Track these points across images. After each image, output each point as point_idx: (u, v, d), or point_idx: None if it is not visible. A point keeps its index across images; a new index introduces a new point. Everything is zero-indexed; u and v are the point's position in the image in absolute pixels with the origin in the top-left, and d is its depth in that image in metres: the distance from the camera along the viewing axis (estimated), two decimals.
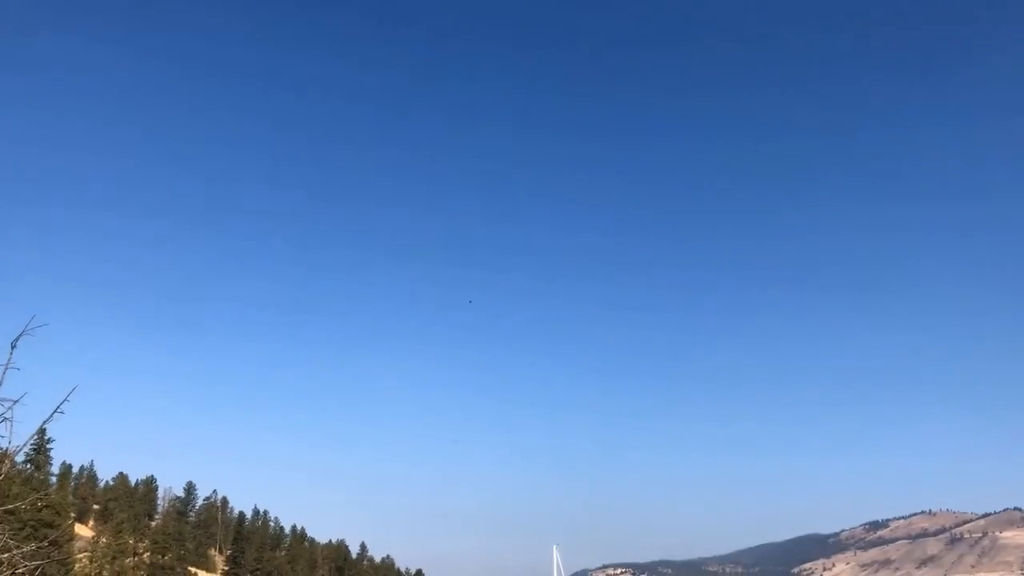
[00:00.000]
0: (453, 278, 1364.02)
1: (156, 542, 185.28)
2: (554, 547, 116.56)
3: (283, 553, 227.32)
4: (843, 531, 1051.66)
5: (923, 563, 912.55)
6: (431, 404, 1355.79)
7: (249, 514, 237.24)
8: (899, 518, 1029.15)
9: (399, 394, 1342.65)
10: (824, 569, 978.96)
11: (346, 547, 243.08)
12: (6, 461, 19.55)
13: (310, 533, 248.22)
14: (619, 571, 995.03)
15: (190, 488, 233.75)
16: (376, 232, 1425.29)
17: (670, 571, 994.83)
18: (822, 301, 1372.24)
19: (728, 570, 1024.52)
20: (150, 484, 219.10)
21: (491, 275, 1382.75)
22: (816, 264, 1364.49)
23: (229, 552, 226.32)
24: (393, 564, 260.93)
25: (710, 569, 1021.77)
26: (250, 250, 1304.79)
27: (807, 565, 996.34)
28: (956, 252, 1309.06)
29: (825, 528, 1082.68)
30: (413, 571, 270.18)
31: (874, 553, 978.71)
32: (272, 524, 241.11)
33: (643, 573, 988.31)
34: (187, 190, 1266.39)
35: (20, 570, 19.24)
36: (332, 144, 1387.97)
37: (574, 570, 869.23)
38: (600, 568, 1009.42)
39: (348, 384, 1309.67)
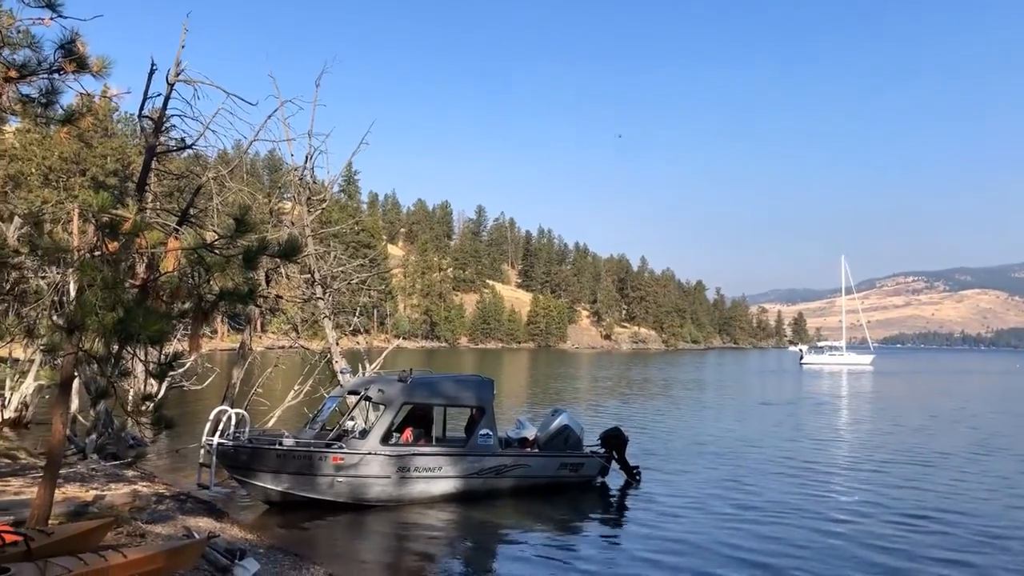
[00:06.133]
0: None
1: (456, 259, 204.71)
2: (842, 257, 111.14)
3: (568, 267, 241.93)
4: None
5: None
6: (711, 106, 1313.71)
7: (535, 233, 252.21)
8: None
9: (672, 92, 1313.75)
10: None
11: (627, 261, 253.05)
12: (327, 189, 20.82)
13: (592, 249, 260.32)
14: (910, 279, 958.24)
15: (480, 211, 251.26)
16: None
17: (968, 278, 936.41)
18: None
19: None
20: (445, 208, 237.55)
21: None
22: None
23: (520, 267, 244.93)
24: (673, 276, 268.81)
25: (1016, 276, 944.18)
26: None
27: None
28: None
29: None
30: (693, 283, 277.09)
31: None
32: (556, 241, 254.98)
33: (938, 281, 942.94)
34: None
35: (354, 280, 21.43)
36: None
37: (862, 279, 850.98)
38: (890, 277, 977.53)
39: (626, 100, 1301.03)
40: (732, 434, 25.30)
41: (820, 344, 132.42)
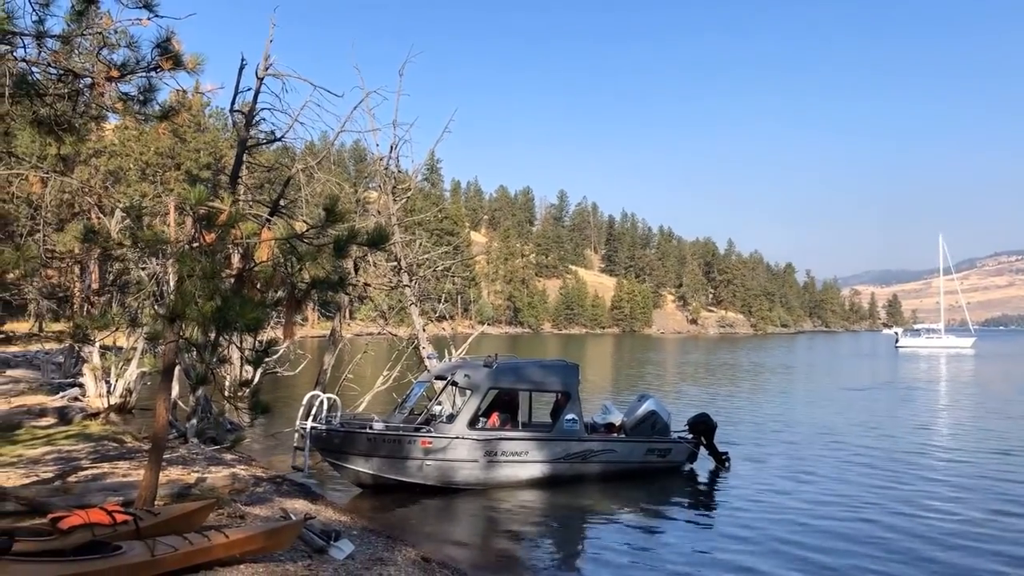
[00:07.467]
0: None
1: (539, 245, 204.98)
2: (939, 236, 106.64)
3: (653, 251, 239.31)
4: None
5: None
6: (800, 84, 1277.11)
7: (618, 217, 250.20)
8: None
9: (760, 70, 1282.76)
10: None
11: (713, 244, 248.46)
12: (411, 178, 21.11)
13: (677, 232, 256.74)
14: (1014, 258, 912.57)
15: (562, 196, 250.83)
16: None
17: None
18: None
19: None
20: (527, 194, 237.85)
21: None
22: None
23: (603, 252, 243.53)
24: (761, 259, 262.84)
25: None
26: None
27: None
28: None
29: None
30: (782, 265, 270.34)
31: None
32: (640, 224, 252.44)
33: None
34: None
35: (439, 268, 21.73)
36: None
37: (961, 259, 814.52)
38: (991, 256, 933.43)
39: (696, 79, 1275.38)
40: (820, 421, 24.62)
41: (916, 327, 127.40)
